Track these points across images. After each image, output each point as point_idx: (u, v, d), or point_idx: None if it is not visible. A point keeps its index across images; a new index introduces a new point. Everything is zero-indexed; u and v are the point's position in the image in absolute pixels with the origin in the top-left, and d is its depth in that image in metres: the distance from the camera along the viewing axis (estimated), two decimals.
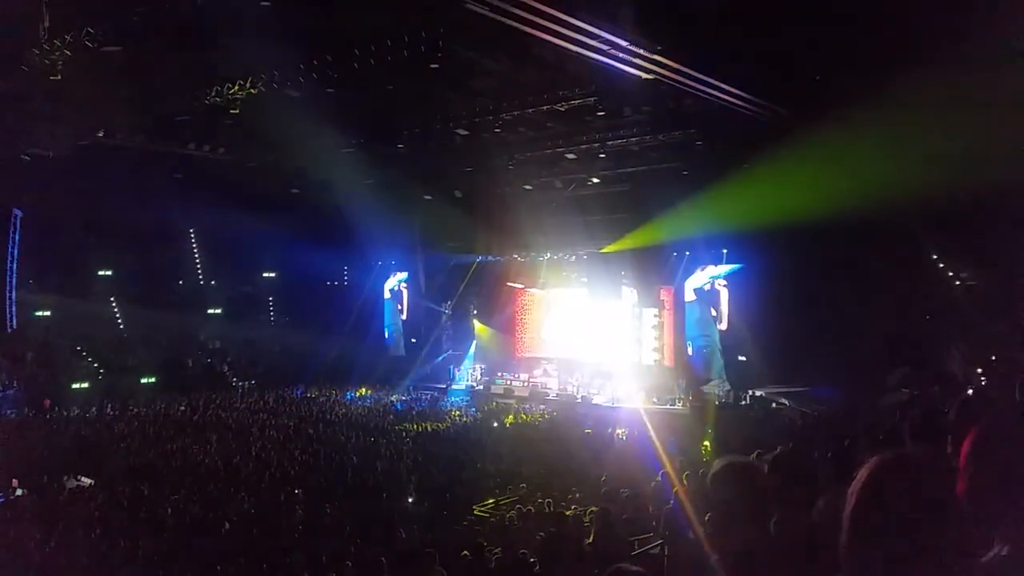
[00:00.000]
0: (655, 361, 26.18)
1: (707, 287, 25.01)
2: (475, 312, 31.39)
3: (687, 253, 25.37)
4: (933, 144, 16.05)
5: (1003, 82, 13.54)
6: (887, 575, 1.77)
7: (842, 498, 1.91)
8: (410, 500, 13.54)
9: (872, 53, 13.85)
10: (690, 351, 25.50)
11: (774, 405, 21.48)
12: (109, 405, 24.47)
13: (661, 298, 26.33)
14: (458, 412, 24.59)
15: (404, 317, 33.74)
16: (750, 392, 22.88)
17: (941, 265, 20.33)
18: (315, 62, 16.46)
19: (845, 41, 13.63)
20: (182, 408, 24.24)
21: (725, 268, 24.60)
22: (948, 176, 16.89)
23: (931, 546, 1.73)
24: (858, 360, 19.57)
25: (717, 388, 23.73)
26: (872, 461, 1.93)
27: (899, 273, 19.61)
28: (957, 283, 20.14)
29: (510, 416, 23.68)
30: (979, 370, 18.31)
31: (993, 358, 18.41)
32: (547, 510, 11.45)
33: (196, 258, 33.68)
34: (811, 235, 19.68)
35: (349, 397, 27.73)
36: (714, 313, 24.85)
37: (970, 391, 16.31)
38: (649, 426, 20.46)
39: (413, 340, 33.25)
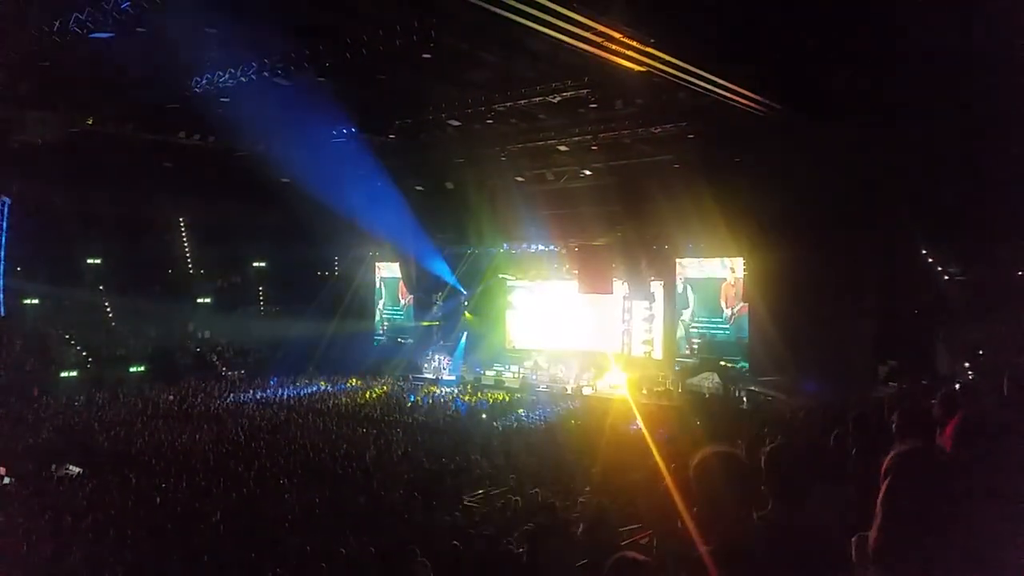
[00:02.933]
0: (645, 353, 26.26)
1: (698, 280, 25.08)
2: (466, 303, 31.38)
3: (678, 246, 25.41)
4: (924, 140, 16.14)
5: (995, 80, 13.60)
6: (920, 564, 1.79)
7: (838, 491, 1.95)
8: (399, 490, 13.54)
9: (867, 47, 13.88)
10: (679, 343, 25.56)
11: (763, 398, 21.59)
12: (98, 394, 24.37)
13: (652, 291, 26.39)
14: (449, 402, 24.59)
15: (395, 308, 33.70)
16: (739, 385, 22.97)
17: (930, 260, 20.43)
18: (307, 51, 16.40)
19: (838, 34, 13.64)
20: (171, 397, 24.16)
21: (715, 261, 24.67)
22: (938, 171, 16.99)
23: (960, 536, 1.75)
24: (847, 354, 19.68)
25: (707, 380, 23.82)
26: (896, 452, 1.95)
27: (888, 267, 19.71)
28: (946, 278, 20.25)
29: (501, 408, 23.69)
30: (966, 364, 18.44)
31: (980, 353, 18.55)
32: (537, 500, 11.48)
33: (185, 247, 33.49)
34: (801, 229, 19.77)
35: (340, 387, 27.69)
36: (701, 305, 24.93)
37: (956, 385, 16.45)
38: (639, 418, 20.54)
39: (404, 331, 33.23)
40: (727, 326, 24.44)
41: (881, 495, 1.90)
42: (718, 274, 24.73)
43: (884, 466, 1.92)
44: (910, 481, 1.87)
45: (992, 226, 17.43)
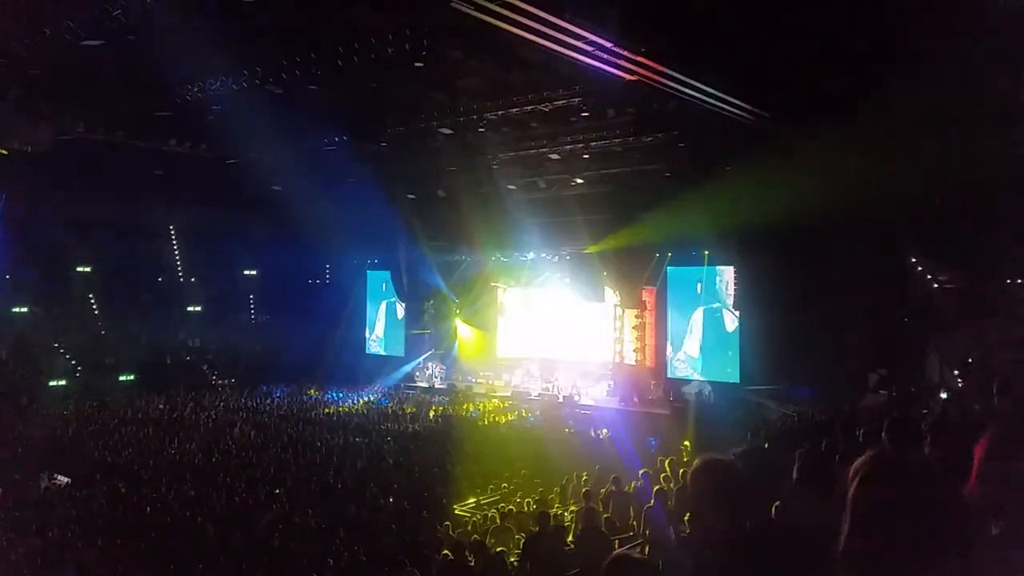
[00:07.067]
0: (637, 361, 26.28)
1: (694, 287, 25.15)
2: (458, 312, 31.36)
3: (669, 254, 25.47)
4: (913, 146, 16.22)
5: (986, 85, 13.69)
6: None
7: (809, 498, 1.97)
8: (390, 500, 13.49)
9: (855, 56, 13.96)
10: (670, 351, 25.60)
11: (754, 405, 21.61)
12: (87, 403, 24.21)
13: (643, 299, 26.43)
14: (440, 411, 24.55)
15: (386, 316, 33.64)
16: (730, 393, 22.99)
17: (920, 268, 20.53)
18: (298, 59, 16.39)
19: (827, 44, 13.72)
20: (161, 406, 24.03)
21: (706, 270, 24.73)
22: (928, 178, 17.08)
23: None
24: (837, 362, 19.73)
25: (698, 389, 23.85)
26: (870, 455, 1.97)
27: (878, 275, 19.78)
28: (935, 286, 20.35)
29: (492, 416, 23.68)
30: (956, 372, 18.52)
31: (970, 360, 18.62)
32: (528, 510, 11.47)
33: (176, 255, 33.38)
34: (791, 237, 19.83)
35: (331, 396, 27.61)
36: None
37: (943, 394, 16.53)
38: (630, 426, 20.57)
39: (395, 339, 33.17)
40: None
41: (850, 496, 1.93)
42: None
43: (854, 467, 1.95)
44: (879, 485, 1.90)
45: (982, 234, 17.53)
